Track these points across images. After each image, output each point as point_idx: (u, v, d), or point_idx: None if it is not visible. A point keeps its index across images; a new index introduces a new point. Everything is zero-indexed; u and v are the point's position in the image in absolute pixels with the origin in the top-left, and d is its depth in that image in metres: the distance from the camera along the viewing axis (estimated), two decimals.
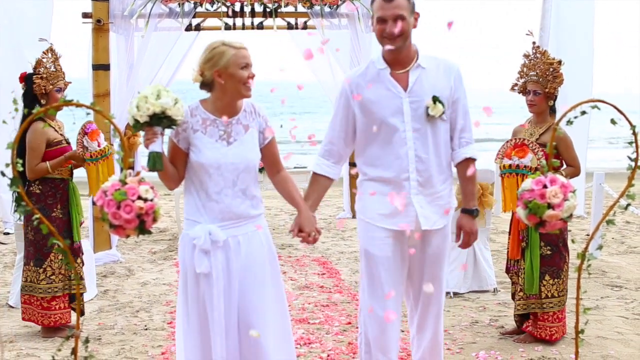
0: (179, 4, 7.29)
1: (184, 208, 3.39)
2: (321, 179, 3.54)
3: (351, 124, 3.47)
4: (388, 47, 3.33)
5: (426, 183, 3.41)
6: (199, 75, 3.24)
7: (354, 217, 8.56)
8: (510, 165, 4.65)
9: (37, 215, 2.63)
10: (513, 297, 4.95)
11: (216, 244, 3.23)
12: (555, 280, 4.69)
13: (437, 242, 3.50)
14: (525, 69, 4.79)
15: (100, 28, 7.10)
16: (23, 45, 7.81)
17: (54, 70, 4.88)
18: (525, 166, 4.59)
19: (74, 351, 2.81)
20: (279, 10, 7.45)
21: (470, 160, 3.49)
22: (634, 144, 2.86)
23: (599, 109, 2.89)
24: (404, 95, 3.38)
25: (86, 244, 6.06)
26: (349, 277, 6.42)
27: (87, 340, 2.84)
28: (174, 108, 3.08)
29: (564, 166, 4.68)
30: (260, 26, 7.56)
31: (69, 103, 2.74)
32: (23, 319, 4.99)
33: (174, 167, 3.30)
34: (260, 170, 3.43)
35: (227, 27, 7.42)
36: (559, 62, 4.71)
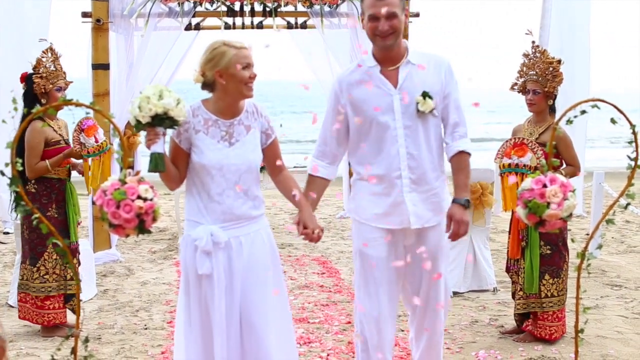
0: (178, 3, 7.29)
1: (185, 209, 3.37)
2: (317, 180, 3.54)
3: (343, 124, 3.46)
4: (381, 45, 3.32)
5: (419, 180, 3.40)
6: (200, 75, 3.23)
7: None
8: (509, 165, 4.65)
9: (36, 215, 2.63)
10: (513, 297, 4.95)
11: (218, 245, 3.22)
12: (555, 279, 4.69)
13: (434, 239, 3.48)
14: (524, 68, 4.78)
15: (100, 27, 7.10)
16: (23, 45, 7.81)
17: (54, 69, 4.89)
18: (524, 165, 4.59)
19: (73, 350, 2.81)
20: (278, 10, 7.45)
21: (463, 154, 3.45)
22: (633, 144, 2.86)
23: (598, 108, 2.89)
24: (394, 92, 3.37)
25: (86, 243, 6.06)
26: (349, 276, 6.42)
27: (86, 340, 2.85)
28: (176, 109, 3.06)
29: (564, 165, 4.68)
30: (260, 25, 7.56)
31: (68, 102, 2.74)
32: (19, 317, 5.00)
33: (176, 167, 3.28)
34: (261, 169, 3.42)
35: (227, 27, 7.42)
36: (559, 62, 4.71)
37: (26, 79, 4.88)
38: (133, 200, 2.72)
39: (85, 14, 7.15)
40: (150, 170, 3.18)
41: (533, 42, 4.81)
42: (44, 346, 4.75)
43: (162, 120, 3.07)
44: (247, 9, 7.41)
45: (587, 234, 8.13)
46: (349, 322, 5.12)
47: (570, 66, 7.47)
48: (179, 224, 8.06)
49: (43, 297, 4.89)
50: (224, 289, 3.23)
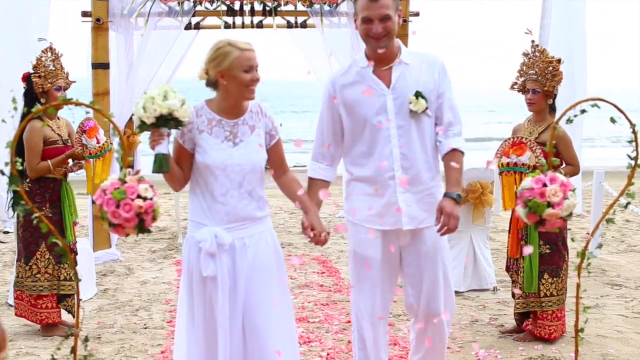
0: (178, 2, 7.29)
1: (188, 210, 3.35)
2: (318, 182, 3.52)
3: (338, 125, 3.44)
4: (375, 47, 3.29)
5: (414, 180, 3.37)
6: (205, 73, 3.22)
7: None
8: (508, 163, 4.65)
9: (36, 215, 2.63)
10: (513, 296, 4.95)
11: (222, 247, 3.19)
12: (554, 279, 4.68)
13: (432, 239, 3.44)
14: (524, 68, 4.78)
15: (100, 27, 7.09)
16: (23, 45, 7.80)
17: (53, 68, 4.89)
18: (523, 164, 4.59)
19: (73, 350, 2.81)
20: (278, 9, 7.45)
21: (456, 152, 3.40)
22: (633, 143, 2.86)
23: (598, 107, 2.89)
24: (387, 92, 3.35)
25: (86, 242, 6.06)
26: (349, 275, 6.42)
27: (86, 339, 2.84)
28: (181, 109, 3.03)
29: (563, 165, 4.68)
30: (260, 25, 7.56)
31: (68, 102, 2.74)
32: (15, 314, 5.02)
33: (180, 168, 3.26)
34: (266, 168, 3.39)
35: (227, 26, 7.41)
36: (558, 61, 4.71)
37: (27, 78, 4.89)
38: (133, 200, 2.72)
39: (85, 14, 7.15)
40: (154, 171, 3.17)
41: (533, 41, 4.81)
42: (43, 345, 4.75)
43: (167, 121, 3.04)
44: (247, 8, 7.41)
45: (587, 234, 8.13)
46: (349, 322, 5.11)
47: (569, 66, 7.48)
48: (178, 223, 8.06)
49: (35, 296, 4.91)
50: (228, 290, 3.22)
